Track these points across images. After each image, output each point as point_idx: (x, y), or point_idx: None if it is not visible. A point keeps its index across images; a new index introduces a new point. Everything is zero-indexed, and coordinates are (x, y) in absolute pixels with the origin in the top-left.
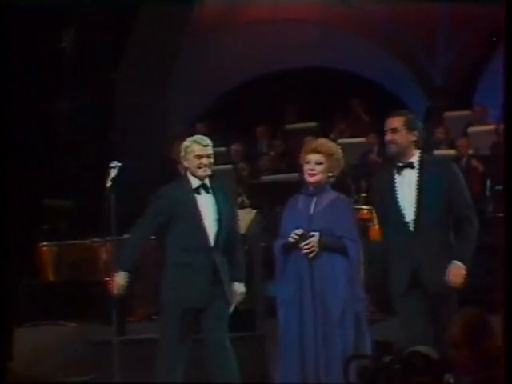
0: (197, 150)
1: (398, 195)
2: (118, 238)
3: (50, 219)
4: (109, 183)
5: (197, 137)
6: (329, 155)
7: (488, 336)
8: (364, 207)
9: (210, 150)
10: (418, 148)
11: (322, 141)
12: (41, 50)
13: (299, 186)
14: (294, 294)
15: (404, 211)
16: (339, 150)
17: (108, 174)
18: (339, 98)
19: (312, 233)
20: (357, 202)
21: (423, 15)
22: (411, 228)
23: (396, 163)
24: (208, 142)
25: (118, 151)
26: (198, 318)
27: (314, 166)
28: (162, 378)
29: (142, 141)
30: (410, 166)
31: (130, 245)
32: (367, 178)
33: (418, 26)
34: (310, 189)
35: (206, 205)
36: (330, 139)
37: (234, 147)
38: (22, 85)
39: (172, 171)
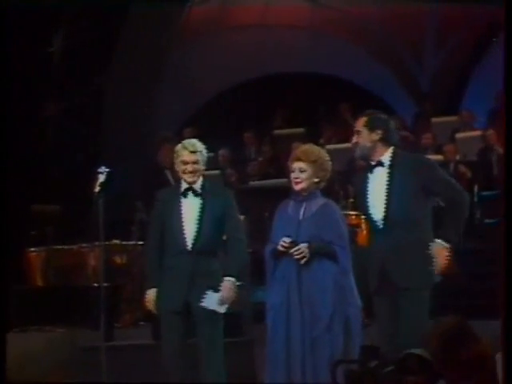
0: (183, 155)
1: (368, 194)
2: (106, 243)
3: (37, 224)
4: (97, 188)
5: (187, 141)
6: (312, 161)
7: (466, 345)
8: (352, 213)
9: (197, 156)
10: (389, 145)
11: (305, 147)
12: (28, 53)
13: (287, 191)
14: (282, 299)
15: (373, 209)
16: (323, 155)
17: (96, 178)
18: (327, 103)
19: (301, 244)
20: (344, 208)
21: (411, 20)
22: (380, 226)
23: (369, 163)
24: (197, 147)
25: (105, 156)
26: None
27: (298, 174)
28: (169, 379)
29: (129, 146)
30: (381, 164)
31: (150, 259)
32: (355, 184)
33: (405, 31)
34: (300, 195)
35: (192, 208)
36: (318, 145)
37: (221, 152)
38: (8, 89)
39: (159, 176)
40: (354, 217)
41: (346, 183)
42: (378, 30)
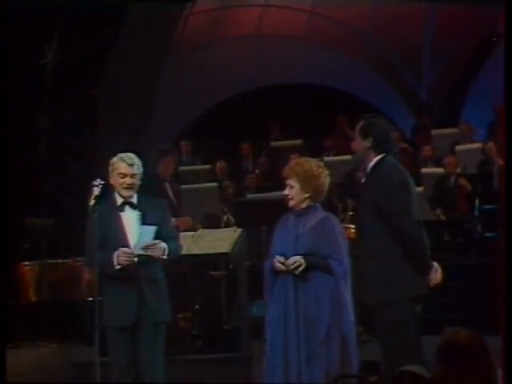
0: (121, 168)
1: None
2: None
3: (30, 238)
4: (92, 201)
5: (124, 154)
6: (299, 177)
7: (464, 358)
8: (351, 226)
9: (135, 170)
10: (380, 153)
11: (293, 163)
12: (21, 65)
13: (285, 204)
14: (279, 314)
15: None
16: (313, 169)
17: (91, 191)
18: (325, 115)
19: (296, 257)
20: (344, 221)
21: (408, 32)
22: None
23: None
24: (135, 161)
25: (100, 168)
26: (136, 338)
27: (288, 191)
28: None
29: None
30: (365, 172)
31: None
32: (354, 197)
33: (403, 42)
34: (298, 209)
35: (131, 220)
36: (315, 157)
37: (218, 165)
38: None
39: (157, 189)
40: (352, 230)
41: (344, 196)
42: (375, 41)
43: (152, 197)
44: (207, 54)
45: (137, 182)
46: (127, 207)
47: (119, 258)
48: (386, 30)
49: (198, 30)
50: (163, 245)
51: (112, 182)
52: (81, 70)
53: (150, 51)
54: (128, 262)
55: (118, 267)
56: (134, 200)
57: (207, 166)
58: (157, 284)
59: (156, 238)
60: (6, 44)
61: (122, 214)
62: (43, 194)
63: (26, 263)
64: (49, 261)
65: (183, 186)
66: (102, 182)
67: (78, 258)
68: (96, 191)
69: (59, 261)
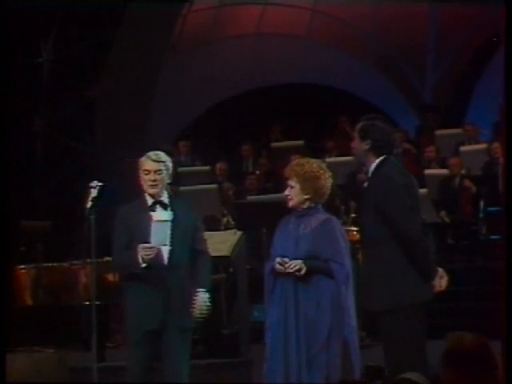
0: (146, 164)
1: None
2: (98, 260)
3: (26, 241)
4: (89, 203)
5: (152, 152)
6: (299, 178)
7: (470, 363)
8: (353, 228)
9: (161, 166)
10: (379, 155)
11: (294, 163)
12: (16, 64)
13: (286, 206)
14: (279, 318)
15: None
16: (316, 169)
17: (88, 193)
18: (327, 115)
19: (296, 261)
20: (346, 224)
21: (412, 31)
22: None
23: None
24: (162, 157)
25: (97, 170)
26: (159, 344)
27: (289, 191)
28: None
29: (122, 159)
30: (367, 175)
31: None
32: (356, 199)
33: (406, 42)
34: (299, 210)
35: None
36: (317, 158)
37: (218, 166)
38: None
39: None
40: (355, 233)
41: (347, 198)
42: (378, 40)
43: (182, 197)
44: (207, 54)
45: (163, 179)
46: (158, 207)
47: (141, 254)
48: (388, 28)
49: (197, 29)
50: (202, 298)
51: (141, 182)
52: (78, 69)
53: (149, 50)
54: (151, 257)
55: (144, 265)
56: (165, 199)
57: (207, 167)
58: (184, 289)
59: (187, 242)
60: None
61: (153, 214)
62: (39, 196)
63: (22, 267)
64: (45, 264)
65: (182, 188)
66: (100, 184)
67: (75, 262)
68: (93, 193)
69: (55, 264)
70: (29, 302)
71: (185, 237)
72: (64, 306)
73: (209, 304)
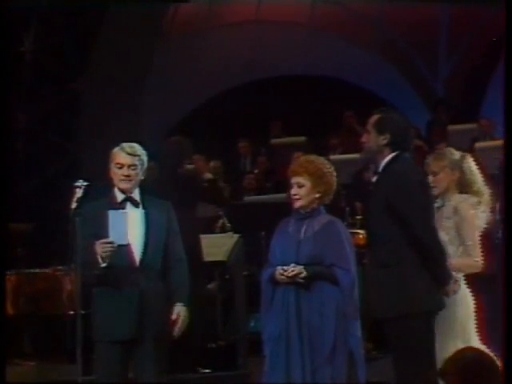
0: (119, 157)
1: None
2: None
3: (6, 245)
4: (74, 204)
5: (127, 143)
6: (310, 174)
7: (474, 376)
8: (360, 231)
9: (136, 161)
10: (395, 151)
11: (302, 159)
12: None
13: (286, 207)
14: (280, 330)
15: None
16: (325, 166)
17: (73, 193)
18: (331, 109)
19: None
20: (351, 226)
21: (422, 19)
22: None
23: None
24: (137, 151)
25: (83, 169)
26: (132, 354)
27: (297, 190)
28: None
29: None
30: (376, 170)
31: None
32: (363, 199)
33: (416, 31)
34: (301, 212)
35: (133, 221)
36: (320, 155)
37: (213, 164)
38: None
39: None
40: (361, 236)
41: (352, 198)
42: (386, 29)
43: (156, 196)
44: (201, 43)
45: (137, 174)
46: (128, 204)
47: (98, 251)
48: (397, 15)
49: (191, 16)
50: (180, 312)
51: (111, 175)
52: (62, 60)
53: (138, 40)
54: (109, 254)
55: (104, 264)
56: (136, 196)
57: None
58: (159, 295)
59: (160, 244)
60: None
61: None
62: (21, 197)
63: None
64: (26, 270)
65: None
66: (85, 183)
67: (59, 267)
68: (78, 193)
69: (38, 270)
70: (9, 311)
71: (158, 238)
72: (47, 316)
73: (187, 320)
